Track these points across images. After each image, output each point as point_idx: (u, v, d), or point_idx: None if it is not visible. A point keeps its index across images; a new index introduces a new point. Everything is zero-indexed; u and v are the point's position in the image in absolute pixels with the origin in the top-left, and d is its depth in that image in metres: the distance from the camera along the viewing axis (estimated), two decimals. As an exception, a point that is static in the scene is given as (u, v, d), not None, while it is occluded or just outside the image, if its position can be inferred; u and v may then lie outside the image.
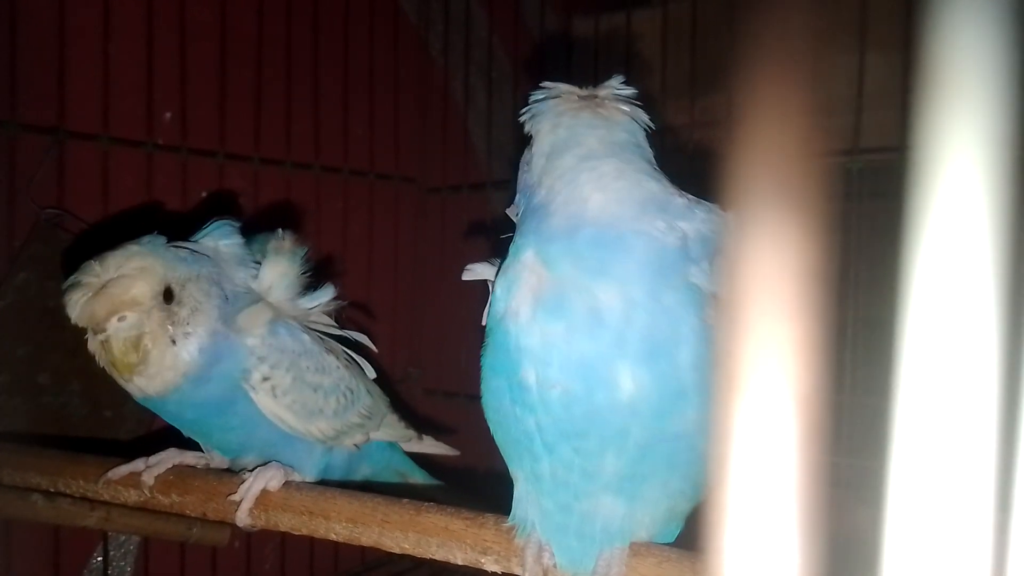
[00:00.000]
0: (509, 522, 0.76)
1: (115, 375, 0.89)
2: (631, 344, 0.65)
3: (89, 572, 1.28)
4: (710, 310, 0.68)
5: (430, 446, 1.21)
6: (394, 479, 1.20)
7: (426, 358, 1.78)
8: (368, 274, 1.67)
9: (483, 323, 0.77)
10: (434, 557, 0.80)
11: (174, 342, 0.88)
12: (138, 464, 0.95)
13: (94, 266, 0.87)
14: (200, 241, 0.96)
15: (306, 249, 1.02)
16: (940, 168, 0.28)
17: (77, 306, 0.85)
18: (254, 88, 1.46)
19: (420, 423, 1.22)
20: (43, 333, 1.19)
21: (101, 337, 0.87)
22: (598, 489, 0.69)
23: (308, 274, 1.02)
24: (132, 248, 0.89)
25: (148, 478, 0.93)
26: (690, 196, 0.71)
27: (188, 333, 0.89)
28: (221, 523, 0.96)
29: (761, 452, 0.30)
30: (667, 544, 0.75)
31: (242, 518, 0.89)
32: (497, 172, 1.62)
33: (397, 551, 0.82)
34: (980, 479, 0.28)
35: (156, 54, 1.32)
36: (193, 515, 0.95)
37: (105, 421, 1.25)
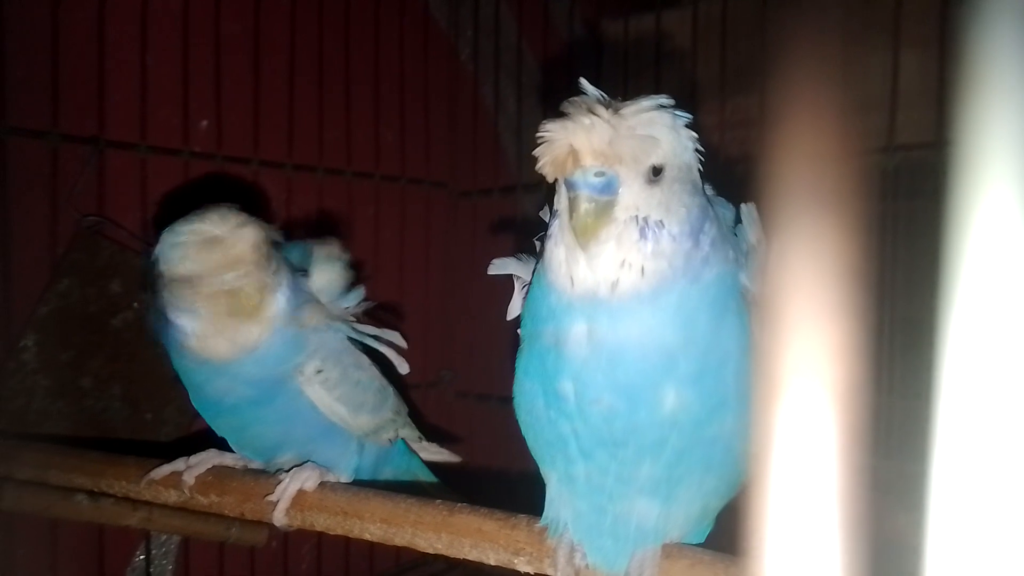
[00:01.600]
0: (541, 523, 0.76)
1: (222, 323, 0.90)
2: (683, 367, 0.64)
3: (132, 570, 1.31)
4: (753, 312, 0.67)
5: (434, 453, 1.23)
6: (412, 484, 1.21)
7: (458, 361, 1.78)
8: (400, 278, 1.68)
9: (508, 317, 0.76)
10: (467, 558, 0.80)
11: (271, 293, 0.92)
12: (179, 464, 0.97)
13: (199, 222, 0.89)
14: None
15: (348, 255, 1.05)
16: (980, 164, 0.28)
17: (189, 257, 0.88)
18: (287, 96, 1.48)
19: (426, 430, 1.22)
20: (84, 338, 1.22)
21: (207, 287, 0.89)
22: (633, 492, 0.69)
23: (352, 277, 1.05)
24: (223, 210, 0.91)
25: (188, 478, 0.95)
26: (719, 197, 0.71)
27: (279, 287, 0.93)
28: (259, 523, 0.97)
29: (800, 454, 0.30)
30: (699, 545, 0.74)
31: (279, 518, 0.90)
32: (527, 175, 1.62)
33: (430, 552, 0.82)
34: (1021, 485, 0.27)
35: (191, 64, 1.34)
36: (231, 515, 0.97)
37: (145, 424, 1.27)
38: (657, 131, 0.62)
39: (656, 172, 0.62)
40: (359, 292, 1.06)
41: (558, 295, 0.65)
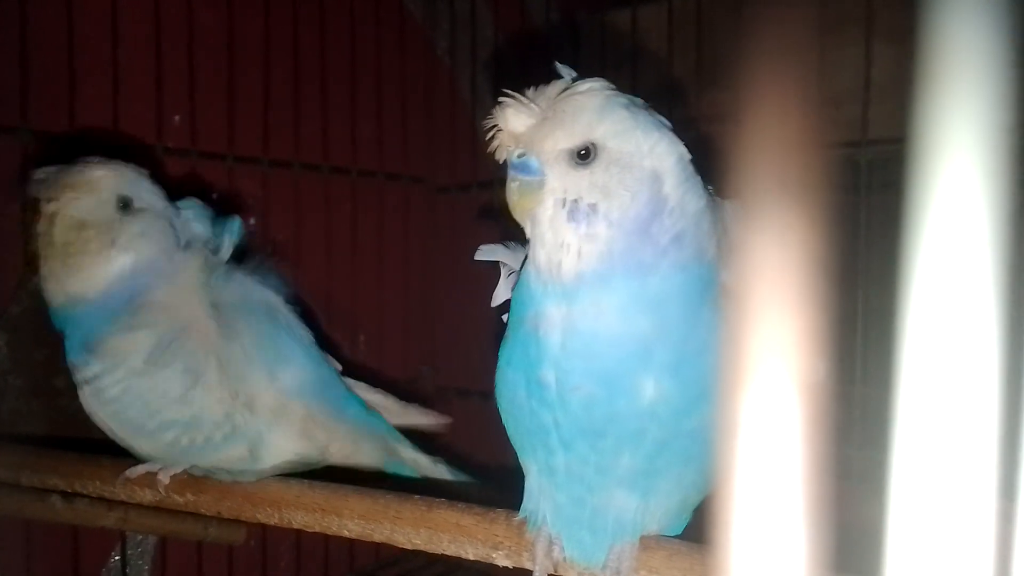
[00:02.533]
0: (520, 516, 0.76)
1: (48, 250, 0.90)
2: (657, 358, 0.64)
3: (107, 571, 1.29)
4: (730, 305, 0.67)
5: (417, 416, 1.17)
6: (380, 453, 1.11)
7: (438, 356, 1.78)
8: (379, 274, 1.68)
9: (492, 304, 0.77)
10: (446, 553, 0.80)
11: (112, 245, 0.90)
12: (154, 464, 0.96)
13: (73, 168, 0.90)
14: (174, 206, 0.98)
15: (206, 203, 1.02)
16: (940, 158, 0.28)
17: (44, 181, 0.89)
18: (262, 91, 1.46)
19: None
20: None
21: (52, 208, 0.89)
22: (612, 483, 0.69)
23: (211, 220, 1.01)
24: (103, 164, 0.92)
25: (164, 477, 0.94)
26: (712, 191, 0.71)
27: (126, 249, 0.90)
28: (236, 522, 0.97)
29: (769, 444, 0.30)
30: (676, 537, 0.75)
31: (163, 475, 0.92)
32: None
33: (409, 547, 0.82)
34: (984, 469, 0.28)
35: (164, 58, 1.32)
36: (208, 514, 0.96)
37: (121, 423, 1.26)
38: (582, 113, 0.63)
39: (584, 155, 0.63)
40: (232, 225, 1.00)
41: (533, 279, 0.67)
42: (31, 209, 0.91)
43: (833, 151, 0.31)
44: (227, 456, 0.93)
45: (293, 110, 1.51)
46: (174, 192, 0.99)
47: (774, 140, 0.30)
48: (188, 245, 0.96)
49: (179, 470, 0.95)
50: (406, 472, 1.19)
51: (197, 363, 0.90)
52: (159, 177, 0.97)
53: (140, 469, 0.96)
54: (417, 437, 1.23)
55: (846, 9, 1.23)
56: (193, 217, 0.98)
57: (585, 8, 1.66)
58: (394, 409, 1.16)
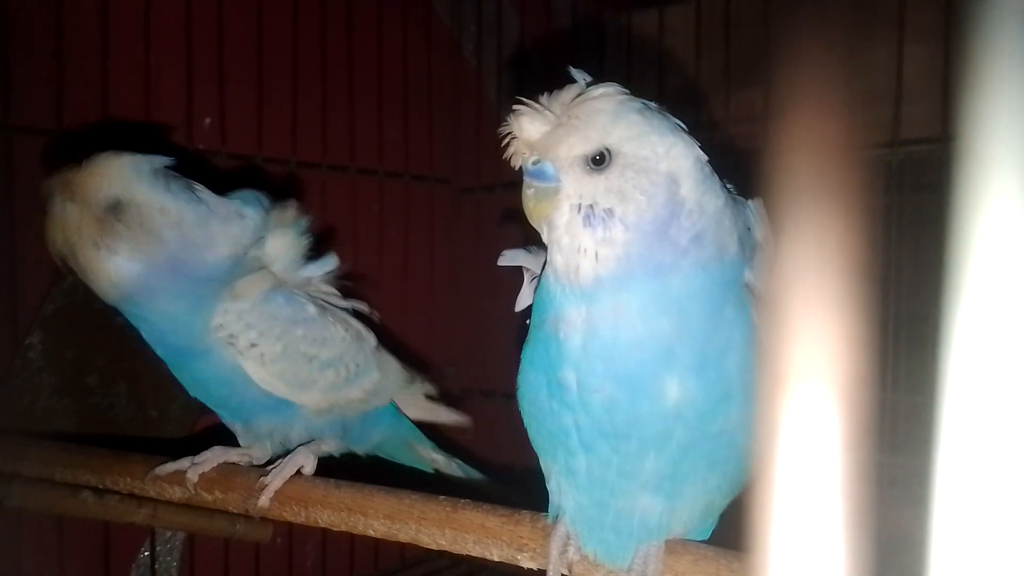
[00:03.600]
0: (546, 519, 0.76)
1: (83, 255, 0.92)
2: (680, 359, 0.64)
3: (137, 567, 1.31)
4: (756, 308, 0.67)
5: (440, 414, 1.22)
6: (403, 447, 1.20)
7: (462, 357, 1.79)
8: (404, 274, 1.69)
9: (516, 308, 0.77)
10: (470, 554, 0.80)
11: (96, 248, 0.90)
12: (183, 463, 0.97)
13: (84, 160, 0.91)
14: (224, 197, 0.98)
15: (309, 219, 1.03)
16: (985, 159, 0.27)
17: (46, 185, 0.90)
18: (290, 93, 1.48)
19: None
20: (90, 336, 1.22)
21: (50, 212, 0.91)
22: (636, 487, 0.69)
23: (310, 243, 1.03)
24: (112, 155, 0.91)
25: (193, 475, 0.95)
26: (733, 190, 0.70)
27: (117, 247, 0.90)
28: (263, 520, 0.97)
29: (805, 450, 0.29)
30: (703, 541, 0.74)
31: (263, 501, 0.91)
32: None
33: (434, 548, 0.82)
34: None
35: (195, 62, 1.34)
36: (236, 512, 0.97)
37: (151, 421, 1.28)
38: (595, 119, 0.63)
39: (598, 161, 0.63)
40: (329, 260, 1.04)
41: (552, 282, 0.67)
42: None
43: (864, 151, 0.30)
44: (368, 382, 1.05)
45: (321, 112, 1.52)
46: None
47: (804, 140, 0.30)
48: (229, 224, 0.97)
49: (207, 468, 0.96)
50: (421, 466, 1.21)
51: (316, 310, 1.00)
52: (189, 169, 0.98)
53: (170, 467, 0.97)
54: (438, 435, 1.25)
55: (877, 9, 1.22)
56: (246, 212, 0.98)
57: (611, 9, 1.65)
58: (421, 405, 1.19)
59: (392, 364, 1.12)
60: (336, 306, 1.06)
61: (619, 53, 1.58)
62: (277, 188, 1.42)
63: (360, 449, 1.13)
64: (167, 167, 0.94)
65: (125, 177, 0.90)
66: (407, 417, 1.20)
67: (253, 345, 0.95)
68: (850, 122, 0.30)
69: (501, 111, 1.74)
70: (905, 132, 1.20)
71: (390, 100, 1.64)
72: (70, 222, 0.90)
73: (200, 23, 1.35)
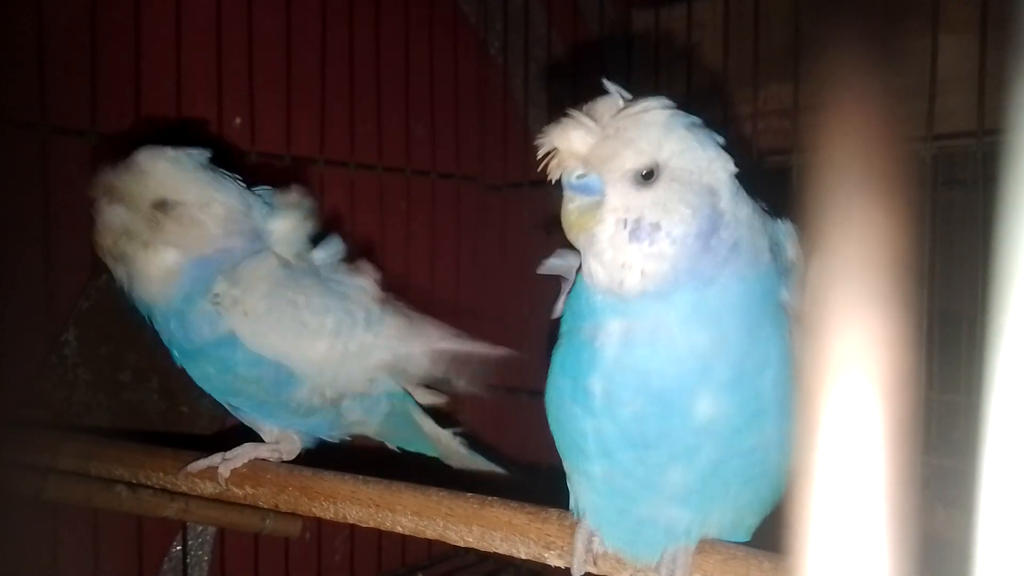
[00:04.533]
0: (572, 516, 0.76)
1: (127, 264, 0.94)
2: (718, 372, 0.63)
3: (169, 560, 1.33)
4: (793, 327, 0.66)
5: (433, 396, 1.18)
6: (406, 424, 1.16)
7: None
8: (431, 272, 1.69)
9: (553, 316, 0.77)
10: (498, 551, 0.80)
11: (146, 247, 0.92)
12: (215, 459, 0.98)
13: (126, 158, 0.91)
14: (255, 190, 0.99)
15: (313, 202, 1.03)
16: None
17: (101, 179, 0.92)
18: (318, 92, 1.49)
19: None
20: (123, 332, 1.24)
21: (98, 217, 0.92)
22: (660, 498, 0.68)
23: (313, 225, 1.03)
24: (153, 153, 0.92)
25: (224, 471, 0.97)
26: (763, 205, 0.70)
27: (168, 244, 0.92)
28: (293, 515, 0.98)
29: (845, 450, 0.29)
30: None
31: (223, 469, 0.94)
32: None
33: (461, 544, 0.82)
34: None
35: (224, 63, 1.36)
36: (266, 507, 0.98)
37: (182, 416, 1.29)
38: (647, 134, 0.62)
39: (648, 175, 0.62)
40: (335, 242, 1.04)
41: (592, 291, 0.66)
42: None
43: (897, 146, 0.30)
44: (377, 360, 1.02)
45: (348, 111, 1.53)
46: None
47: (836, 135, 0.30)
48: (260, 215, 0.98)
49: (238, 464, 0.97)
50: (426, 449, 1.18)
51: (311, 280, 0.99)
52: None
53: (202, 464, 0.98)
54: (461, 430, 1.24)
55: (910, 0, 1.19)
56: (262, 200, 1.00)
57: (639, 4, 1.64)
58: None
59: (411, 348, 1.08)
60: (343, 283, 1.04)
61: (647, 49, 1.57)
62: (304, 186, 1.43)
63: (367, 428, 1.10)
64: (207, 160, 0.96)
65: (169, 175, 0.92)
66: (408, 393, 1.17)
67: (236, 302, 0.93)
68: (883, 116, 0.29)
69: (528, 109, 1.74)
70: (939, 126, 1.18)
71: (417, 98, 1.65)
72: (118, 225, 0.92)
73: (229, 24, 1.36)
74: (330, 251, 1.04)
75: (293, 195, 1.02)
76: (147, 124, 1.27)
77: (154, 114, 1.28)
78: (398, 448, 1.18)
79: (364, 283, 1.05)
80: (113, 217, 0.92)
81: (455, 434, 1.20)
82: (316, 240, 1.04)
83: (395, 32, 1.60)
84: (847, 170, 0.30)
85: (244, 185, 1.00)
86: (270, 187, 1.03)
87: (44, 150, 1.17)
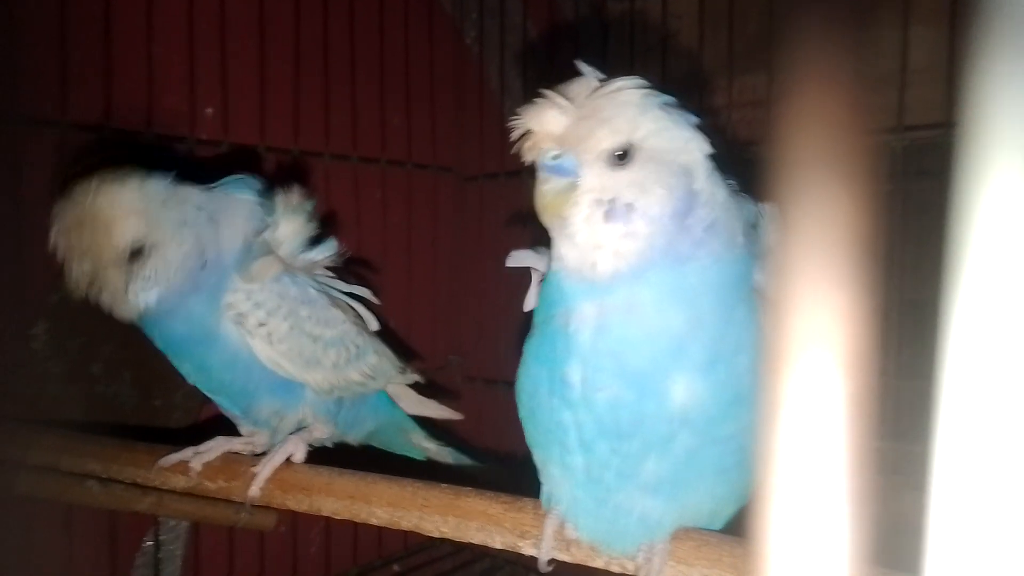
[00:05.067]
0: (543, 505, 0.76)
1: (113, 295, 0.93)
2: (691, 356, 0.63)
3: (142, 555, 1.32)
4: (765, 311, 0.66)
5: (432, 409, 1.23)
6: (397, 435, 1.22)
7: (466, 346, 1.79)
8: (408, 263, 1.69)
9: (525, 308, 0.76)
10: (473, 541, 0.81)
11: (127, 287, 0.91)
12: (187, 453, 0.97)
13: (83, 198, 0.88)
14: (214, 190, 0.98)
15: (313, 202, 1.04)
16: (990, 145, 0.27)
17: (59, 240, 0.90)
18: (292, 81, 1.47)
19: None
20: (95, 325, 1.22)
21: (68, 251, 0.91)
22: (635, 488, 0.68)
23: (316, 227, 1.04)
24: (113, 197, 0.89)
25: (196, 465, 0.96)
26: (736, 187, 0.70)
27: (147, 283, 0.91)
28: (267, 508, 0.98)
29: (809, 438, 0.29)
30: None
31: (254, 491, 0.92)
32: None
33: (437, 535, 0.83)
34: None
35: (197, 51, 1.34)
36: (240, 500, 0.97)
37: (155, 410, 1.28)
38: (622, 113, 0.62)
39: (623, 155, 0.62)
40: (330, 244, 1.05)
41: (562, 277, 0.66)
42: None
43: (868, 137, 0.30)
44: (366, 365, 1.06)
45: (323, 100, 1.52)
46: (206, 181, 1.00)
47: (808, 126, 0.30)
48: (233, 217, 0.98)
49: (211, 457, 0.97)
50: (414, 453, 1.23)
51: (318, 292, 1.01)
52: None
53: (174, 458, 0.97)
54: (434, 423, 1.26)
55: (882, -8, 1.20)
56: (237, 198, 0.99)
57: (615, -6, 1.64)
58: (412, 398, 1.20)
59: (386, 349, 1.13)
60: (337, 289, 1.06)
61: (622, 38, 1.57)
62: (280, 177, 1.42)
63: (355, 436, 1.13)
64: (169, 183, 0.93)
65: (134, 223, 0.89)
66: (399, 408, 1.21)
67: (262, 324, 0.95)
68: (854, 107, 0.30)
69: (504, 99, 1.74)
70: (910, 118, 1.20)
71: (392, 88, 1.64)
72: (92, 275, 0.90)
73: (202, 12, 1.34)
74: (325, 252, 1.05)
75: (295, 196, 1.02)
76: (119, 119, 1.25)
77: (125, 104, 1.26)
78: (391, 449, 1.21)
79: (360, 291, 1.08)
80: (82, 271, 0.90)
81: (442, 446, 1.23)
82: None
83: (370, 21, 1.59)
84: (818, 160, 0.30)
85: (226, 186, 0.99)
86: (245, 175, 1.02)
87: (14, 141, 1.15)
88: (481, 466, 1.29)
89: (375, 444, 1.19)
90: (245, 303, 0.94)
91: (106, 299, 0.92)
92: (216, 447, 0.98)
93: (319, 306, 1.01)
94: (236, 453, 0.99)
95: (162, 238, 0.91)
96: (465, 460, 1.28)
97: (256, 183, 1.01)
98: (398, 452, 1.24)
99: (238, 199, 0.98)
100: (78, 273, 0.90)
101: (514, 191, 1.65)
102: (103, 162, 0.94)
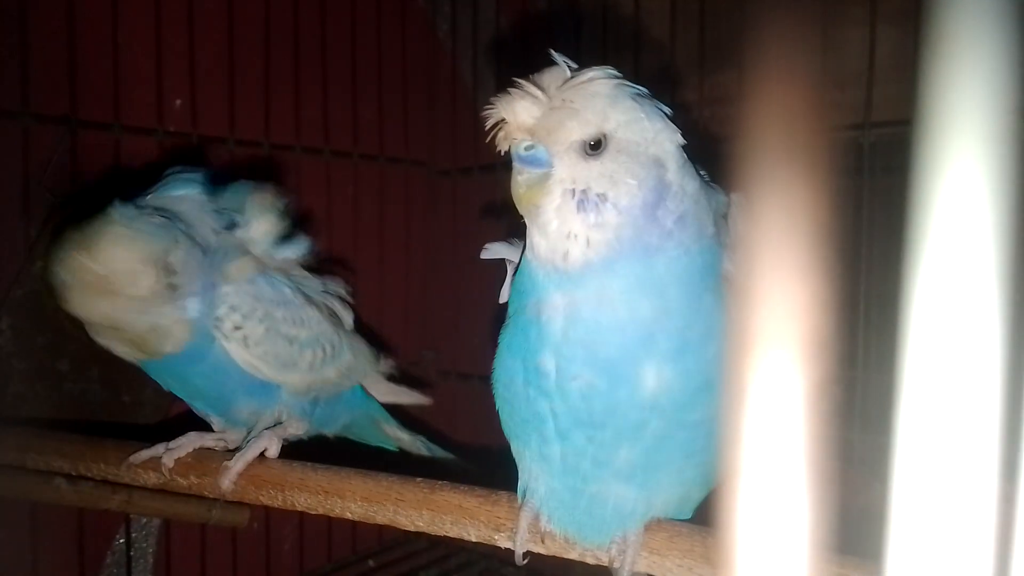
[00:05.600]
0: (519, 498, 0.76)
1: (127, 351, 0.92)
2: (660, 344, 0.64)
3: (112, 553, 1.30)
4: (732, 296, 0.67)
5: (404, 395, 1.24)
6: (370, 427, 1.22)
7: (439, 340, 1.79)
8: (380, 257, 1.68)
9: (500, 300, 0.77)
10: (448, 534, 0.81)
11: (180, 308, 0.90)
12: (158, 449, 0.96)
13: (77, 250, 0.85)
14: (163, 195, 0.96)
15: (286, 200, 1.03)
16: (945, 141, 0.28)
17: (73, 301, 0.87)
18: (262, 74, 1.46)
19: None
20: (61, 321, 1.20)
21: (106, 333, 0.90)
22: (609, 476, 0.69)
23: (288, 225, 1.03)
24: (120, 231, 0.87)
25: (168, 461, 0.95)
26: (707, 178, 0.71)
27: (187, 295, 0.91)
28: (240, 504, 0.97)
29: (773, 430, 0.30)
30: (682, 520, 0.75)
31: (225, 483, 0.91)
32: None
33: (412, 529, 0.83)
34: (986, 452, 0.28)
35: (165, 42, 1.32)
36: (211, 496, 0.97)
37: (124, 406, 1.26)
38: (593, 104, 0.62)
39: (595, 146, 0.63)
40: (302, 242, 1.05)
41: (535, 267, 0.66)
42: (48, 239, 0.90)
43: (836, 133, 0.31)
44: (342, 363, 1.06)
45: (294, 93, 1.50)
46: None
47: (777, 122, 0.30)
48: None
49: (182, 453, 0.96)
50: (387, 444, 1.23)
51: (293, 292, 1.01)
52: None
53: (144, 454, 0.96)
54: (407, 416, 1.27)
55: (850, -10, 1.22)
56: (189, 197, 0.97)
57: (587, -11, 1.64)
58: (384, 387, 1.20)
59: (361, 345, 1.13)
60: (311, 287, 1.05)
61: (594, 33, 1.58)
62: (250, 171, 1.40)
63: (330, 430, 1.13)
64: (150, 219, 0.91)
65: (135, 264, 0.87)
66: (374, 398, 1.21)
67: (237, 328, 0.94)
68: (822, 104, 0.30)
69: (477, 92, 1.73)
70: (876, 114, 1.22)
71: (364, 81, 1.62)
72: (109, 313, 0.89)
73: (169, 3, 1.32)
74: (299, 250, 1.04)
75: (268, 195, 1.01)
76: (85, 111, 1.23)
77: (90, 95, 1.24)
78: (363, 440, 1.21)
79: (335, 288, 1.08)
80: (98, 310, 0.88)
81: (414, 436, 1.24)
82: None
83: (341, 13, 1.57)
84: (786, 156, 0.30)
85: (200, 190, 0.98)
86: (183, 167, 1.01)
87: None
88: (452, 457, 1.30)
89: (349, 436, 1.19)
90: (221, 307, 0.93)
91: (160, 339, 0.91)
92: (188, 443, 0.97)
93: (294, 307, 1.00)
94: (209, 449, 0.98)
95: (156, 285, 0.89)
96: (437, 451, 1.29)
97: (198, 176, 0.99)
98: (372, 443, 1.24)
99: (188, 198, 0.96)
100: (97, 315, 0.89)
101: (488, 185, 1.65)
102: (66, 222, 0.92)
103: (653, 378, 0.64)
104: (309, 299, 1.04)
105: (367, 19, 1.62)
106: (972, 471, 0.28)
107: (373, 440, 1.24)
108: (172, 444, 0.96)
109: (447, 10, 1.76)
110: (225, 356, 0.95)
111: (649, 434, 0.66)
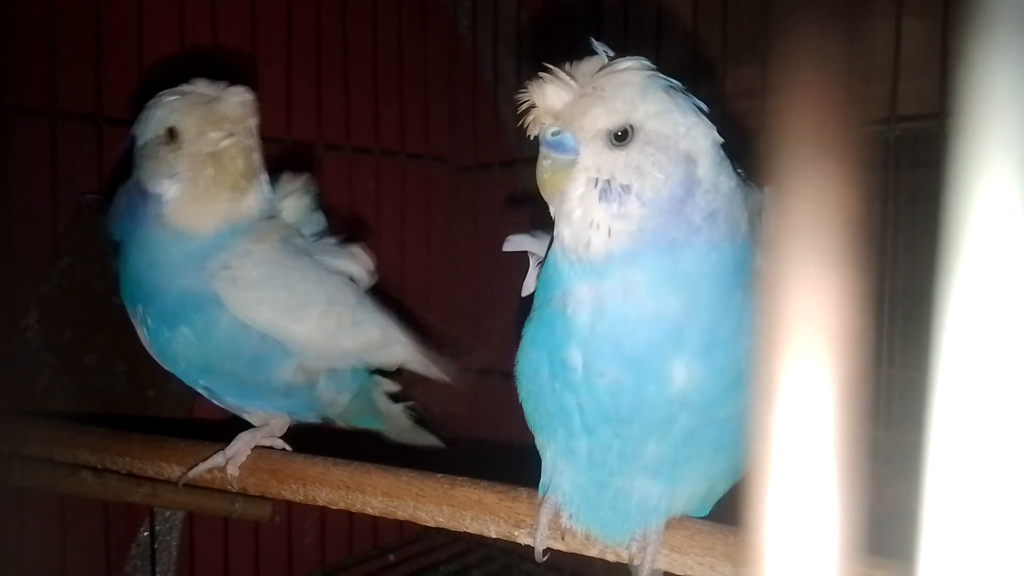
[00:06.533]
0: (540, 494, 0.76)
1: (205, 188, 0.93)
2: (690, 340, 0.63)
3: (137, 545, 1.32)
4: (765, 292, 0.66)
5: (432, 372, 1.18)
6: (367, 405, 1.15)
7: (460, 335, 1.79)
8: (401, 254, 1.68)
9: (523, 293, 0.76)
10: (468, 530, 0.81)
11: (257, 164, 0.97)
12: (217, 460, 0.94)
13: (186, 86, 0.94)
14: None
15: (319, 190, 1.05)
16: (982, 136, 0.27)
17: (175, 110, 0.92)
18: (285, 71, 1.46)
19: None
20: (88, 316, 1.22)
21: (193, 148, 0.93)
22: (636, 470, 0.68)
23: (317, 208, 1.05)
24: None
25: (233, 470, 0.93)
26: (745, 176, 0.70)
27: (262, 166, 0.98)
28: (262, 498, 0.98)
29: (801, 427, 0.30)
30: (700, 517, 0.75)
31: (231, 468, 0.92)
32: (527, 149, 1.61)
33: (432, 524, 0.83)
34: (1020, 452, 0.27)
35: (188, 39, 1.33)
36: (234, 490, 0.97)
37: (149, 400, 1.28)
38: (622, 93, 0.62)
39: (621, 136, 0.62)
40: (320, 218, 1.05)
41: (560, 257, 0.66)
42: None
43: (861, 128, 0.30)
44: (365, 339, 1.01)
45: (315, 90, 1.51)
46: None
47: (802, 116, 0.30)
48: None
49: (243, 458, 0.94)
50: (374, 426, 1.19)
51: (308, 258, 0.99)
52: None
53: (203, 468, 0.94)
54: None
55: (876, -18, 1.20)
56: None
57: (609, -16, 1.63)
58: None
59: (393, 329, 1.07)
60: (333, 255, 1.04)
61: (616, 29, 1.57)
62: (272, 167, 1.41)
63: (335, 409, 1.09)
64: None
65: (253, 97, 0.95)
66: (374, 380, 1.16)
67: (225, 267, 0.92)
68: (847, 98, 0.30)
69: (498, 88, 1.73)
70: (902, 108, 1.20)
71: (385, 78, 1.63)
72: (227, 147, 0.94)
73: (193, 1, 1.33)
74: (318, 225, 1.05)
75: (299, 182, 1.03)
76: (111, 108, 1.24)
77: (114, 93, 1.25)
78: (346, 424, 1.16)
79: (356, 265, 1.06)
80: (212, 140, 0.92)
81: (406, 408, 1.20)
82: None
83: (363, 10, 1.58)
84: (811, 150, 0.30)
85: None
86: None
87: (7, 132, 1.14)
88: (436, 441, 1.25)
89: (344, 419, 1.14)
90: (213, 258, 0.92)
91: (223, 173, 0.93)
92: (244, 446, 0.94)
93: (306, 265, 0.97)
94: (267, 448, 0.96)
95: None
96: (423, 433, 1.24)
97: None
98: (358, 424, 1.19)
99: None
100: (200, 145, 0.92)
101: (508, 181, 1.64)
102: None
103: (682, 374, 0.64)
104: (328, 265, 1.02)
105: (388, 16, 1.62)
106: (1005, 471, 0.27)
107: (363, 418, 1.17)
108: (229, 451, 0.94)
109: (468, 6, 1.76)
110: (227, 316, 0.93)
111: (677, 430, 0.66)
